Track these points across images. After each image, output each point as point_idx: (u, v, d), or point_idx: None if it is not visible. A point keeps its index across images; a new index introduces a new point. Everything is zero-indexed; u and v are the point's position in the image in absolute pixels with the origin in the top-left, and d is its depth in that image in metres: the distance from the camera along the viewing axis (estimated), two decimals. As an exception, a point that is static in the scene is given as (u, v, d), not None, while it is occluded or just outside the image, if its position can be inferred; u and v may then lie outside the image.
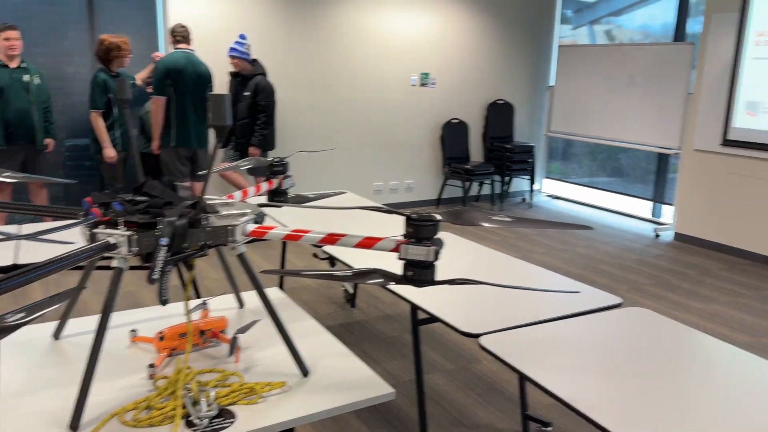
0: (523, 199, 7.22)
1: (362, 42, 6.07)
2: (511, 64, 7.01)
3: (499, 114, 7.02)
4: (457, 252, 2.64)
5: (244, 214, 1.43)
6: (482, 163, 6.81)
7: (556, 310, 2.02)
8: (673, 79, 5.59)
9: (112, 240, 1.33)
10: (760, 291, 4.29)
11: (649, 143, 5.86)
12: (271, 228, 1.43)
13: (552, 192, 7.45)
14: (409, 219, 1.34)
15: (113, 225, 1.37)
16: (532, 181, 7.10)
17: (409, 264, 1.37)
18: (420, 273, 1.36)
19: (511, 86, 7.08)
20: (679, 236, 5.56)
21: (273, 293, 2.04)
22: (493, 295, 2.14)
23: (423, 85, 6.48)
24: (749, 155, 4.95)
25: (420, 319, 2.26)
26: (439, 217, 1.34)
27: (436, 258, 1.34)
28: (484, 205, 6.84)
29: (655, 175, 6.30)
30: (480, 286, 2.21)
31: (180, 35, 4.58)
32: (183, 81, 4.47)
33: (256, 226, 1.45)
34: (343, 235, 1.41)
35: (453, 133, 6.76)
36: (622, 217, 6.41)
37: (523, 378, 1.60)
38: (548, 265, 4.69)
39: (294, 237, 1.42)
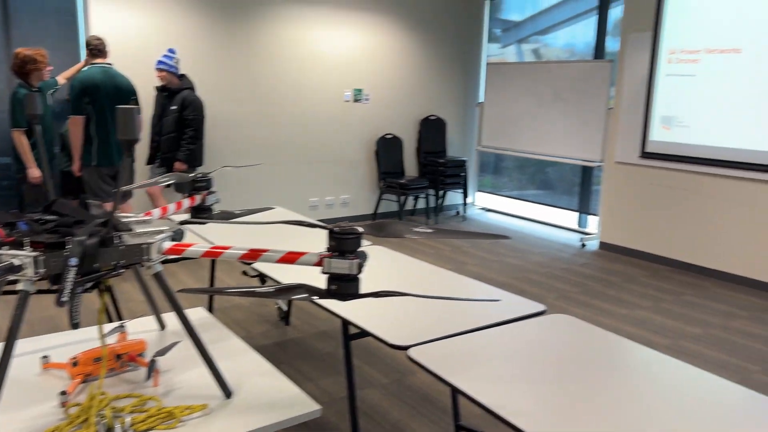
0: (457, 212, 7.35)
1: (295, 58, 6.05)
2: (441, 81, 7.16)
3: (431, 129, 7.14)
4: (388, 265, 2.65)
5: (159, 232, 1.39)
6: (417, 177, 6.90)
7: (484, 319, 2.05)
8: (594, 95, 5.86)
9: (16, 261, 1.25)
10: (679, 296, 4.51)
11: (574, 156, 6.10)
12: (189, 245, 1.39)
13: (485, 205, 7.62)
14: (331, 232, 1.34)
15: (19, 246, 1.29)
16: (465, 195, 7.24)
17: (333, 278, 1.36)
18: (343, 286, 1.35)
19: (442, 102, 7.22)
20: (603, 245, 5.80)
21: (196, 313, 1.98)
22: (423, 306, 2.15)
23: (356, 100, 6.52)
24: (666, 167, 5.23)
25: (351, 334, 2.24)
26: (361, 229, 1.34)
27: (360, 271, 1.34)
28: (420, 219, 6.91)
29: (580, 187, 6.56)
30: (410, 299, 2.22)
31: (96, 48, 4.39)
32: (101, 97, 4.30)
33: (174, 243, 1.40)
34: (265, 251, 1.39)
35: (387, 148, 6.82)
36: (551, 227, 6.63)
37: (453, 388, 1.61)
38: (481, 276, 4.78)
39: (214, 253, 1.38)
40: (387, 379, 3.08)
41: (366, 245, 2.97)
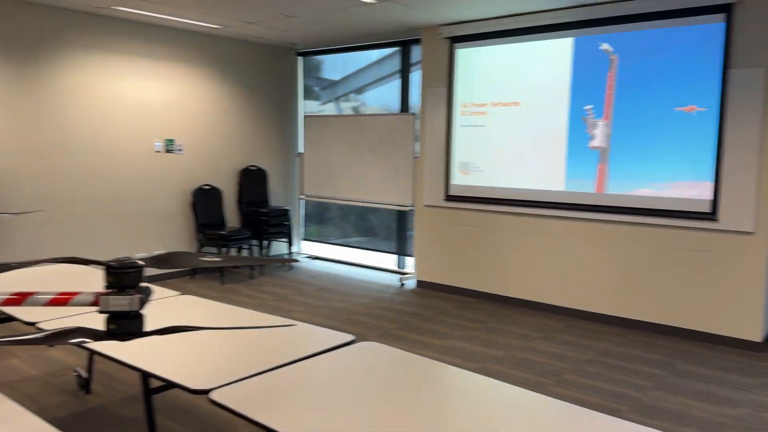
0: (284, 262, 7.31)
1: (96, 107, 5.70)
2: (260, 132, 7.21)
3: (252, 179, 7.11)
4: (194, 311, 2.56)
5: None
6: (238, 228, 6.77)
7: (292, 353, 2.05)
8: (402, 145, 6.30)
9: None
10: (486, 324, 4.91)
11: (389, 202, 6.45)
12: (-65, 293, 1.22)
13: (311, 253, 7.69)
14: (108, 267, 1.27)
15: None
16: (290, 244, 7.26)
17: (113, 316, 1.28)
18: (124, 325, 1.28)
19: (262, 153, 7.25)
20: (420, 283, 6.15)
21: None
22: (229, 348, 2.10)
23: (168, 151, 6.29)
24: (466, 207, 5.74)
25: (152, 388, 2.11)
26: (141, 262, 1.29)
27: (142, 307, 1.28)
28: (244, 271, 6.75)
29: (397, 231, 6.93)
30: (217, 342, 2.15)
31: None
32: None
33: None
34: (32, 294, 1.27)
35: (205, 200, 6.63)
36: (374, 270, 6.88)
37: (258, 425, 1.58)
38: (307, 321, 4.76)
39: (-33, 300, 1.23)
40: (203, 435, 2.91)
41: (174, 295, 2.83)
